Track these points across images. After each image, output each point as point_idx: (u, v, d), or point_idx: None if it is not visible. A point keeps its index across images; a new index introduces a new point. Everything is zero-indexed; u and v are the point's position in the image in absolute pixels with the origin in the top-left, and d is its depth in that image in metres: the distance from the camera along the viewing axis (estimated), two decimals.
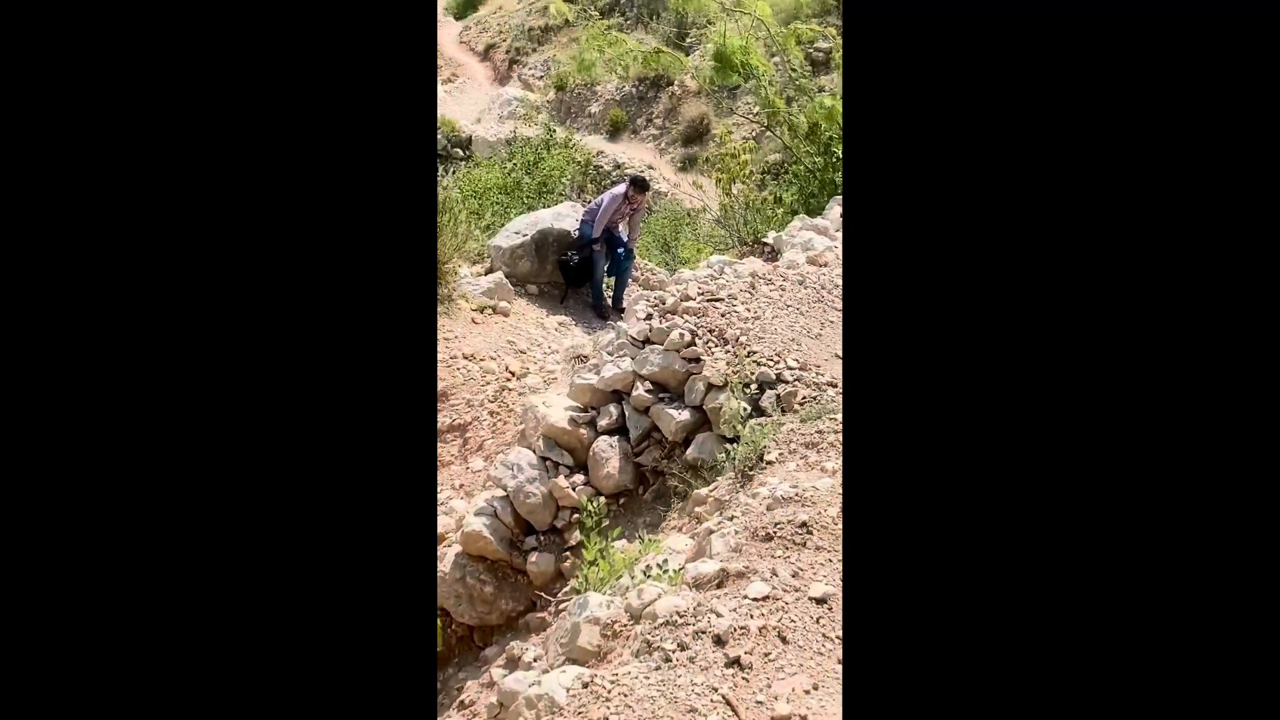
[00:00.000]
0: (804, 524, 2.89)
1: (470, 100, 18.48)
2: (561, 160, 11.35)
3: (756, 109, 11.88)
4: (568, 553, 4.37)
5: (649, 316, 4.71)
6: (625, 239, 7.39)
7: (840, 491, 3.04)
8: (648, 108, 16.77)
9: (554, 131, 12.51)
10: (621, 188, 7.32)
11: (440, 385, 5.84)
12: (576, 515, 4.36)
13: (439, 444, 5.48)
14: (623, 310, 7.08)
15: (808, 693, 2.27)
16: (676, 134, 15.70)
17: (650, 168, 14.57)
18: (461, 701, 3.93)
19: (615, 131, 16.61)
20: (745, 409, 3.99)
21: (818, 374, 4.10)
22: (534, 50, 20.54)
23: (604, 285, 7.43)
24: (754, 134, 13.21)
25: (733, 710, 2.21)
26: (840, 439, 3.47)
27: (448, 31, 21.75)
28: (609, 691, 2.34)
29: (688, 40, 17.32)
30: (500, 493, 4.54)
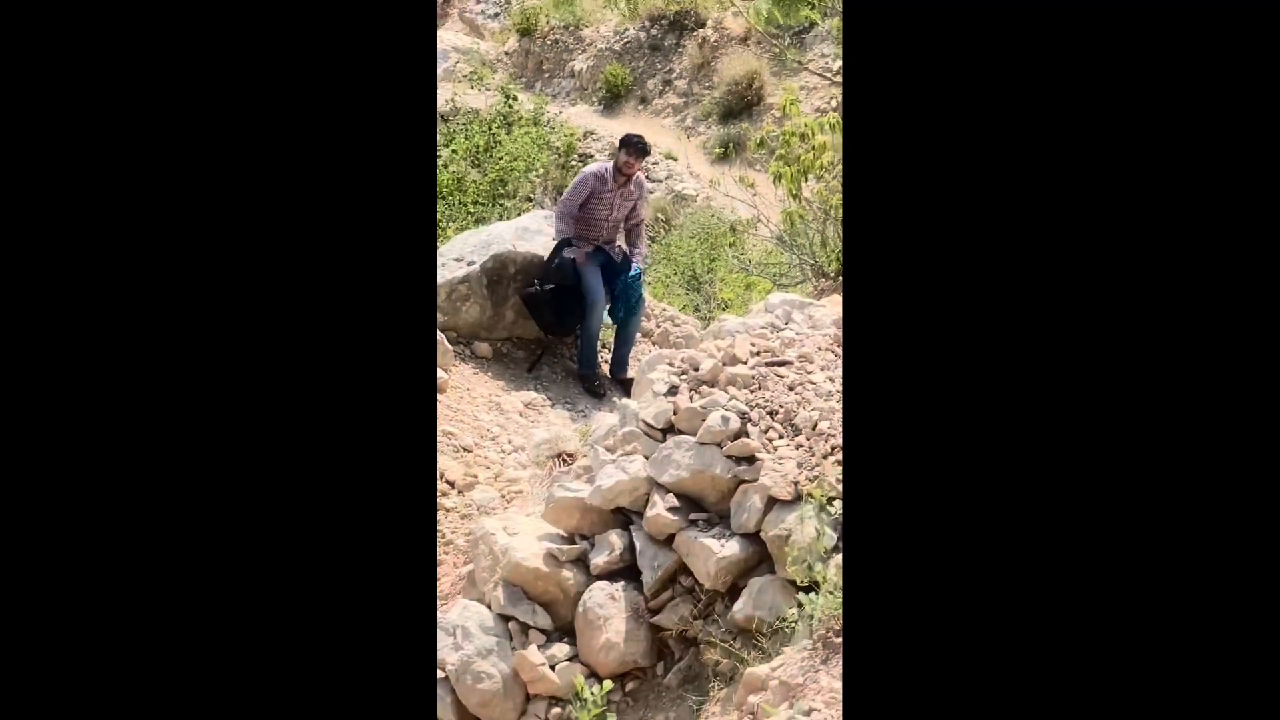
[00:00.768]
0: None
1: None
2: (529, 145, 11.60)
3: (840, 63, 12.09)
4: None
5: (673, 390, 4.79)
6: (627, 256, 7.51)
7: None
8: (665, 63, 17.15)
9: (516, 100, 12.80)
10: (599, 165, 7.47)
11: None
12: (558, 709, 4.38)
13: None
14: (629, 382, 7.16)
15: None
16: (710, 104, 16.03)
17: (669, 157, 14.83)
18: None
19: (613, 100, 16.97)
20: (829, 538, 4.03)
21: None
22: None
23: (599, 339, 7.52)
24: (835, 102, 13.45)
25: None
26: None
27: None
28: None
29: None
30: (437, 673, 4.56)
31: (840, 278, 7.24)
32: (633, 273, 7.42)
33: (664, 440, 4.60)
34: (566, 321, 7.47)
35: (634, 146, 7.33)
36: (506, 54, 18.34)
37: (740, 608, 4.19)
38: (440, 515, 5.87)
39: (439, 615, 4.70)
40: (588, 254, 7.33)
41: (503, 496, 5.97)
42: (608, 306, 7.43)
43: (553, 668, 4.45)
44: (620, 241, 7.53)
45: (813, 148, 7.43)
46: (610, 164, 7.43)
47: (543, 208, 10.51)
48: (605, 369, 7.59)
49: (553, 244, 7.44)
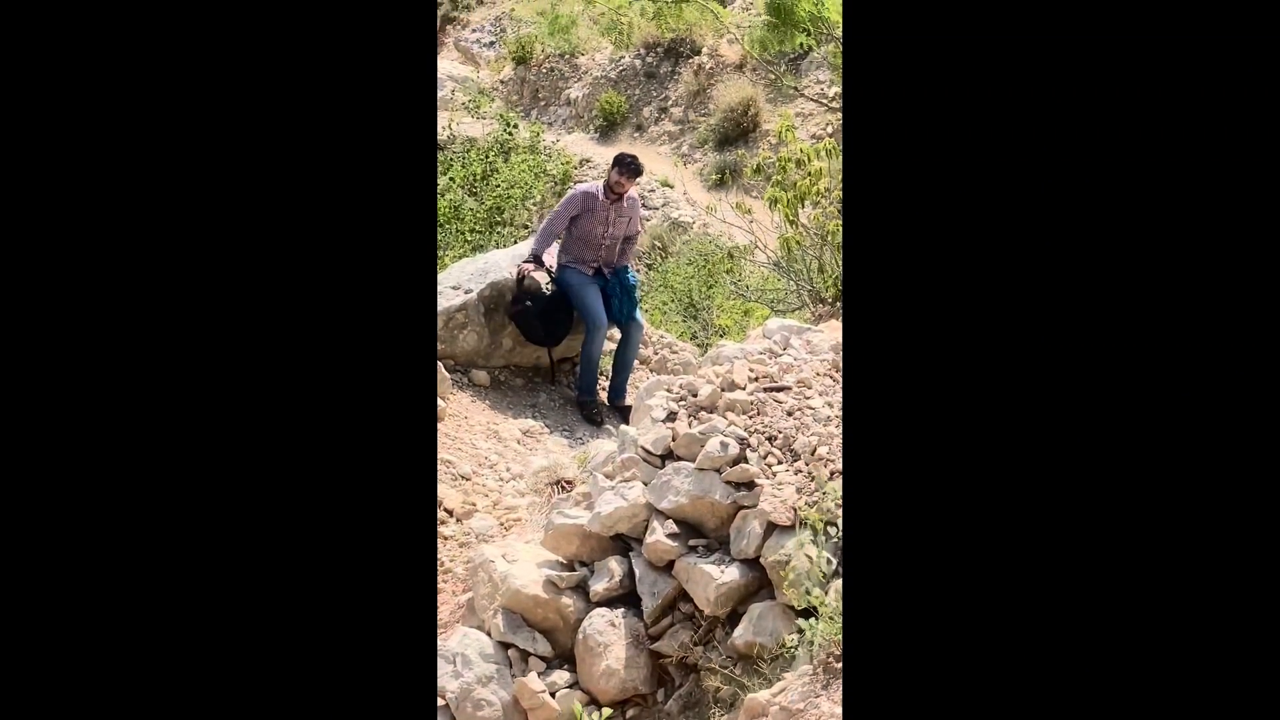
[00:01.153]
0: None
1: None
2: (525, 172, 11.64)
3: (835, 89, 12.18)
4: None
5: (671, 416, 4.81)
6: (620, 271, 7.53)
7: None
8: (660, 90, 17.25)
9: (513, 128, 12.86)
10: (589, 184, 7.49)
11: None
12: None
13: None
14: (627, 409, 7.18)
15: None
16: (707, 131, 16.13)
17: (666, 184, 14.87)
18: None
19: (609, 127, 17.06)
20: (828, 563, 4.04)
21: None
22: (478, 4, 21.21)
23: (598, 365, 7.54)
24: (831, 129, 13.53)
25: None
26: None
27: None
28: None
29: None
30: (437, 700, 4.56)
31: (838, 303, 7.27)
32: (624, 292, 7.46)
33: (663, 466, 4.62)
34: (557, 333, 7.51)
35: (626, 166, 7.37)
36: (502, 82, 18.44)
37: (740, 634, 4.20)
38: (439, 543, 5.88)
39: (439, 643, 4.71)
40: (588, 277, 7.38)
41: (501, 524, 5.98)
42: (603, 330, 7.47)
43: (553, 695, 4.45)
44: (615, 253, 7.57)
45: (809, 174, 7.47)
46: (600, 183, 7.47)
47: None
48: (603, 396, 7.61)
49: (531, 262, 7.51)
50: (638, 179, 7.51)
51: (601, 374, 7.67)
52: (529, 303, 7.40)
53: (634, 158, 7.53)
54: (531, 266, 7.40)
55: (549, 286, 7.47)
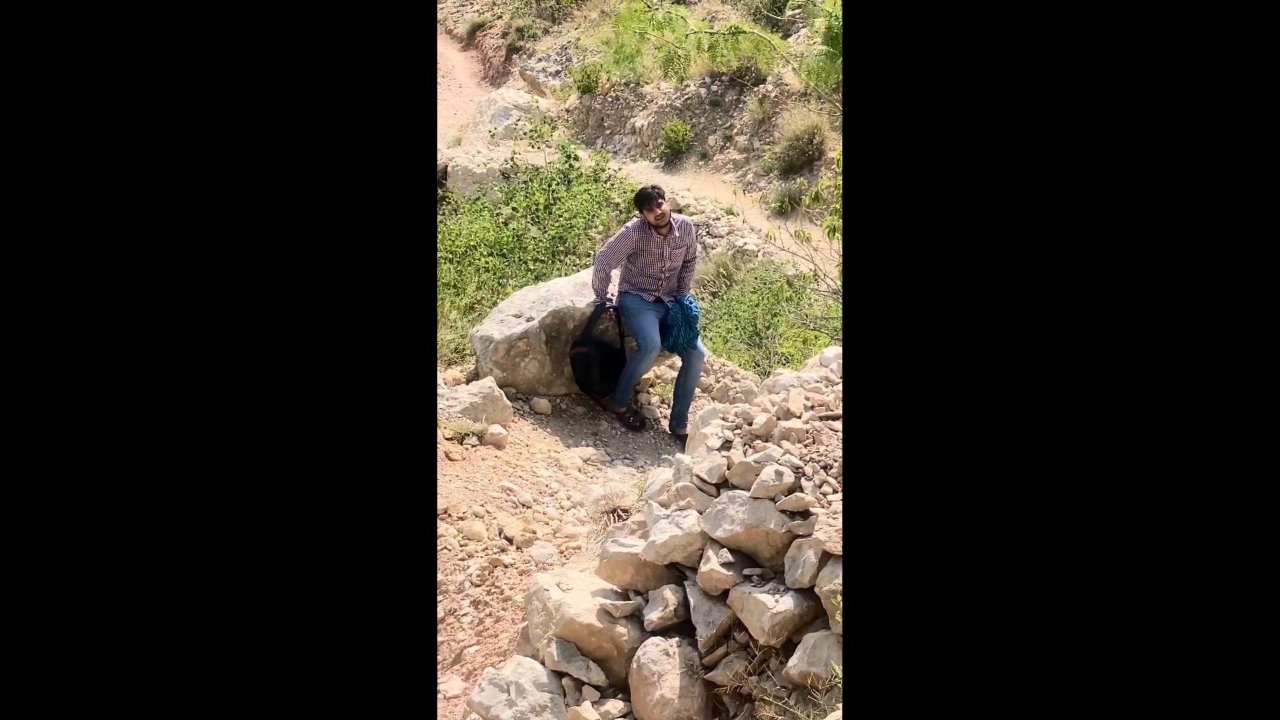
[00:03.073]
0: None
1: (447, 109, 19.20)
2: (589, 201, 11.71)
3: None
4: None
5: (726, 444, 4.80)
6: (683, 301, 7.53)
7: None
8: (725, 119, 17.28)
9: (576, 158, 12.94)
10: (642, 218, 7.49)
11: None
12: None
13: None
14: (684, 437, 7.19)
15: None
16: (771, 159, 16.13)
17: (730, 212, 14.89)
18: None
19: (674, 156, 17.11)
20: None
21: None
22: (544, 33, 21.42)
23: (635, 383, 7.55)
24: None
25: None
26: None
27: None
28: None
29: (787, 13, 17.90)
30: None
31: None
32: (683, 323, 7.47)
33: (718, 495, 4.62)
34: (608, 385, 7.57)
35: (648, 198, 7.37)
36: (567, 111, 18.57)
37: (795, 663, 4.19)
38: (499, 571, 5.92)
39: (494, 672, 4.73)
40: (647, 303, 7.41)
41: (561, 552, 6.01)
42: (652, 353, 7.48)
43: None
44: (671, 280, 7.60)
45: None
46: (638, 221, 7.47)
47: None
48: (664, 425, 7.63)
49: (594, 301, 7.56)
50: (664, 201, 7.44)
51: (662, 402, 7.69)
52: (593, 348, 7.44)
53: (648, 187, 7.57)
54: (612, 314, 7.46)
55: (616, 339, 7.53)
